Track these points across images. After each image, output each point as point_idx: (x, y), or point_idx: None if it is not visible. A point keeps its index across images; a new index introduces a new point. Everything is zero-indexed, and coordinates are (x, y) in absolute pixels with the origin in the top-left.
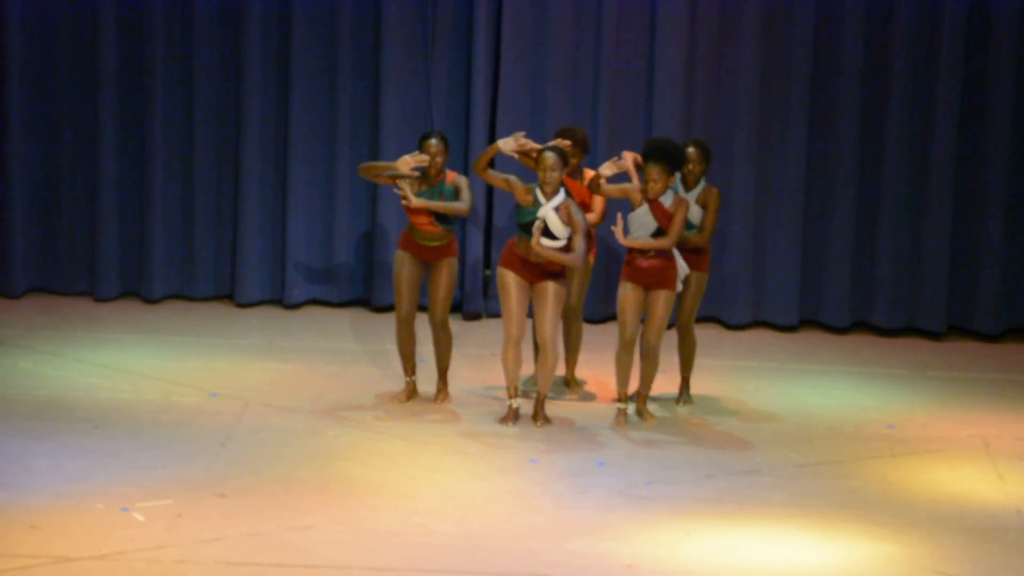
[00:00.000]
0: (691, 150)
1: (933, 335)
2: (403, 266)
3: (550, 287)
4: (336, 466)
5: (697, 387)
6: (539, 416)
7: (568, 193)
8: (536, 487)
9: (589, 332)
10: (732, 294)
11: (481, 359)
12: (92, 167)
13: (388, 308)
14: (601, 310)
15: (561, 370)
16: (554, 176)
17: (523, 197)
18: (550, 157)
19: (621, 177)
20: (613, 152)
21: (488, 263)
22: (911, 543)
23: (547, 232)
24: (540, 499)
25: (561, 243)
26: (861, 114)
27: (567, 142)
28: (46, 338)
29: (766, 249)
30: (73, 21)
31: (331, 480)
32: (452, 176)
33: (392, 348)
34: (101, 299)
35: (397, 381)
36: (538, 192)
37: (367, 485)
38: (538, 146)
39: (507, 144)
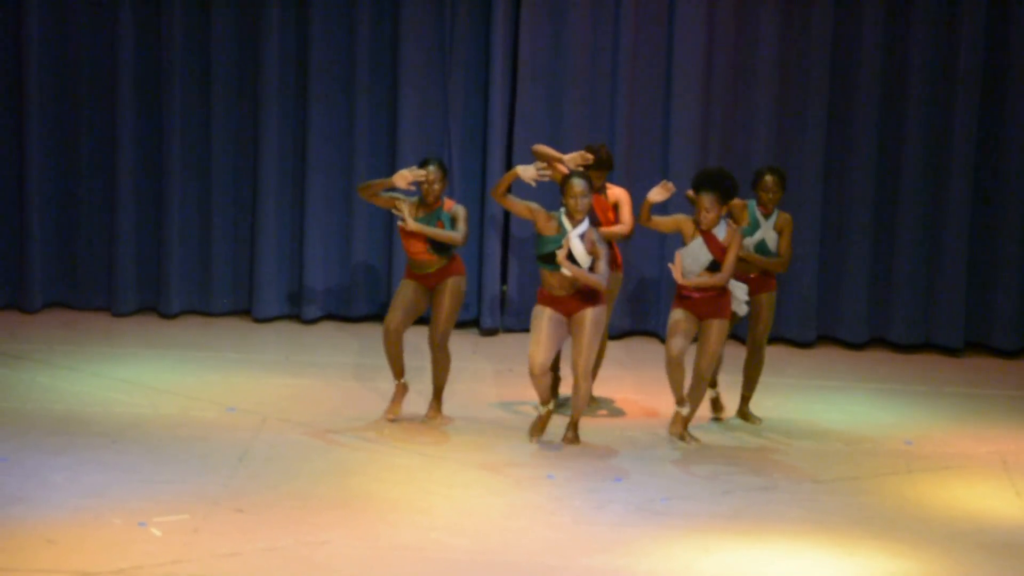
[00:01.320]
0: (769, 177)
1: (950, 351)
2: (406, 288)
3: (588, 314)
4: (353, 481)
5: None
6: (568, 437)
7: (592, 222)
8: (553, 503)
9: (612, 348)
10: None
11: (498, 375)
12: (110, 183)
13: None
14: (626, 323)
15: None
16: (584, 203)
17: (546, 225)
18: (578, 184)
19: (665, 205)
20: (631, 166)
21: (505, 278)
22: (929, 560)
23: (570, 259)
24: (557, 515)
25: (582, 271)
26: (878, 128)
27: (590, 156)
28: (64, 353)
29: None
30: (91, 38)
31: (348, 495)
32: (450, 204)
33: (408, 363)
34: (119, 314)
35: (415, 397)
36: (563, 219)
37: (384, 500)
38: (560, 156)
39: (527, 171)
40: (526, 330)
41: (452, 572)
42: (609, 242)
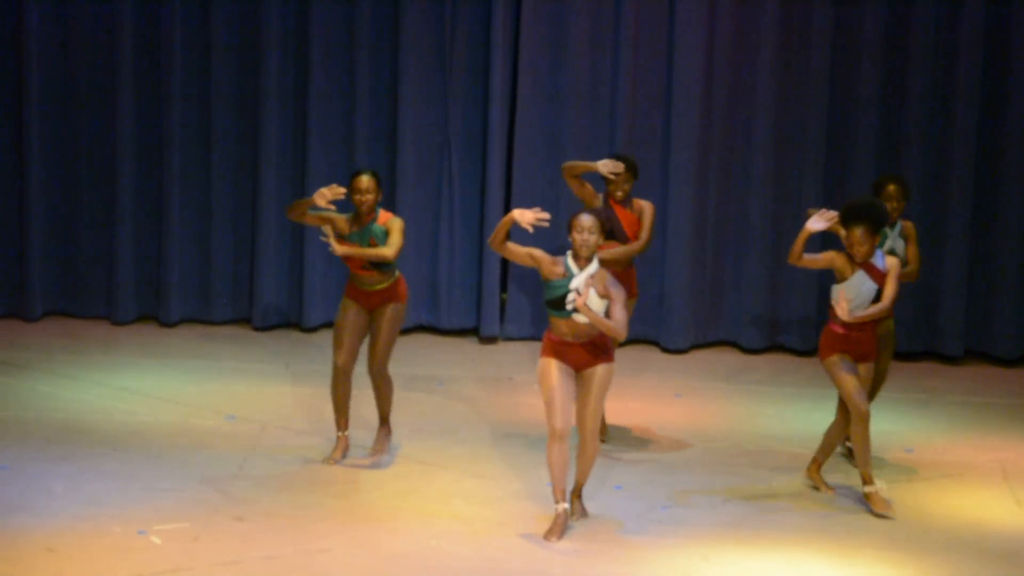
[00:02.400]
0: (892, 187)
1: (950, 360)
2: (346, 313)
3: (598, 371)
4: (353, 489)
5: (714, 411)
6: (576, 509)
7: (617, 236)
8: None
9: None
10: (749, 319)
11: (498, 383)
12: (110, 192)
13: (405, 331)
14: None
15: None
16: (591, 240)
17: (551, 270)
18: (587, 219)
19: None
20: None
21: (504, 286)
22: (929, 569)
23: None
24: None
25: (600, 317)
26: (878, 137)
27: (621, 165)
28: (64, 361)
29: (783, 274)
30: (92, 47)
31: (348, 504)
32: (385, 217)
33: (408, 371)
34: (119, 323)
35: (413, 404)
36: (570, 261)
37: (384, 509)
38: (593, 164)
39: (524, 216)
40: (525, 338)
41: None
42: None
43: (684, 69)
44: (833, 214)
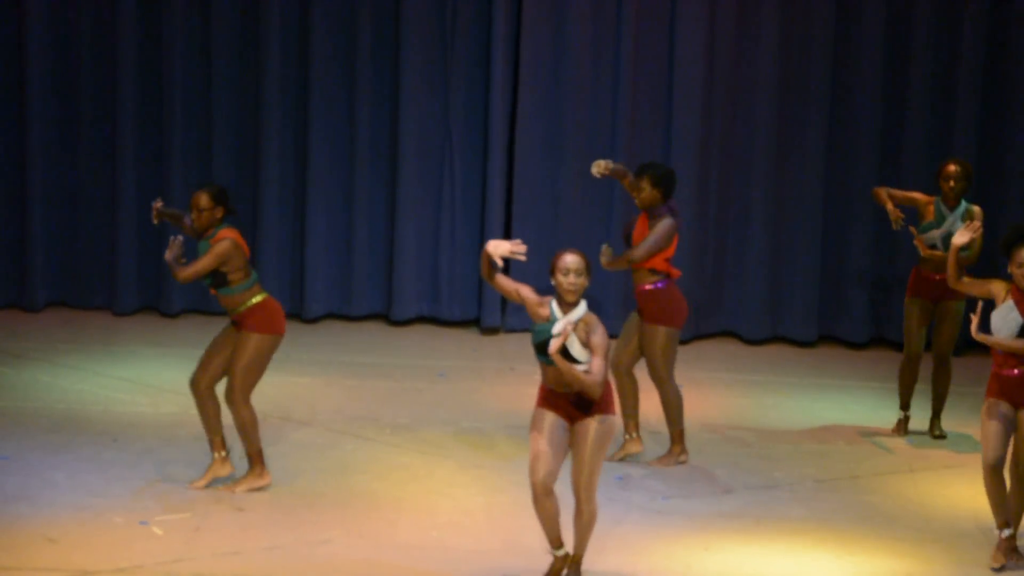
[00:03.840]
0: (952, 167)
1: (955, 351)
2: (218, 335)
3: (591, 427)
4: (354, 480)
5: (715, 402)
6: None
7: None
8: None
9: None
10: (750, 309)
11: (499, 373)
12: (111, 182)
13: (406, 322)
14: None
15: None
16: (578, 284)
17: (536, 312)
18: (571, 260)
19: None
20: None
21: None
22: (930, 558)
23: (566, 354)
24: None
25: (581, 368)
26: (880, 128)
27: (600, 165)
28: (65, 351)
29: (784, 265)
30: (93, 37)
31: (349, 494)
32: (220, 235)
33: (409, 361)
34: (120, 313)
35: (415, 395)
36: (554, 304)
37: (385, 499)
38: (627, 171)
39: (498, 248)
40: (527, 329)
41: (454, 571)
42: (665, 278)
43: (685, 61)
44: (977, 224)
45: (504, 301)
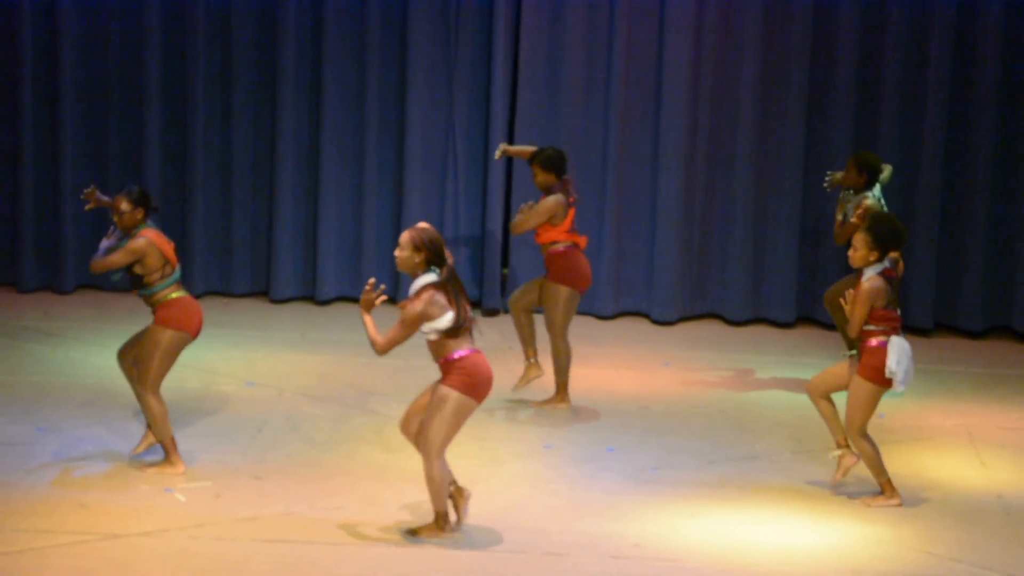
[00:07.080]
0: (849, 160)
1: (922, 331)
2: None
3: (431, 392)
4: (364, 451)
5: (700, 379)
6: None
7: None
8: (551, 471)
9: (605, 326)
10: (733, 292)
11: (500, 352)
12: (137, 172)
13: None
14: (619, 304)
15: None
16: (399, 257)
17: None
18: (401, 237)
19: None
20: (624, 162)
21: (505, 262)
22: (900, 525)
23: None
24: (555, 483)
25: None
26: (856, 117)
27: (501, 150)
28: (94, 331)
29: (766, 248)
30: (121, 41)
31: (359, 464)
32: (139, 234)
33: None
34: None
35: (419, 372)
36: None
37: (393, 469)
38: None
39: (366, 298)
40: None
41: (457, 535)
42: (571, 245)
43: (673, 61)
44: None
45: (503, 285)
